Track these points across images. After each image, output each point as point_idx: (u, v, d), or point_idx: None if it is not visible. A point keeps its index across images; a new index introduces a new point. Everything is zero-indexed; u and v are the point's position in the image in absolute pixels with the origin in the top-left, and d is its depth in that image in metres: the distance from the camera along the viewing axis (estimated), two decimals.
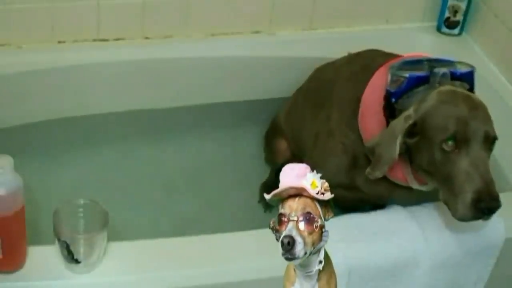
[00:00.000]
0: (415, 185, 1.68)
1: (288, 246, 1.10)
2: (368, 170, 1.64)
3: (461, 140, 1.54)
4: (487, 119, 1.57)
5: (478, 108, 1.57)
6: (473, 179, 1.53)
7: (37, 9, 2.12)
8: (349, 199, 1.77)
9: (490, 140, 1.56)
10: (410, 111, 1.58)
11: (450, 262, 1.70)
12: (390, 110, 1.64)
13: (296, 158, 2.08)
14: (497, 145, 1.60)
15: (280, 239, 1.11)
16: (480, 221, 1.59)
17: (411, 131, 1.58)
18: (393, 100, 1.62)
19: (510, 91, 2.22)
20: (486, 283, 1.78)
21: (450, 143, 1.54)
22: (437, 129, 1.56)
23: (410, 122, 1.57)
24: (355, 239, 1.65)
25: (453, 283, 1.73)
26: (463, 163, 1.54)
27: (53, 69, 2.14)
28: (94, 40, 2.22)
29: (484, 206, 1.52)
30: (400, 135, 1.58)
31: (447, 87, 1.60)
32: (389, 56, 1.83)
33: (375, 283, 1.66)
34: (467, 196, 1.53)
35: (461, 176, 1.54)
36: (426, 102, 1.58)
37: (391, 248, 1.66)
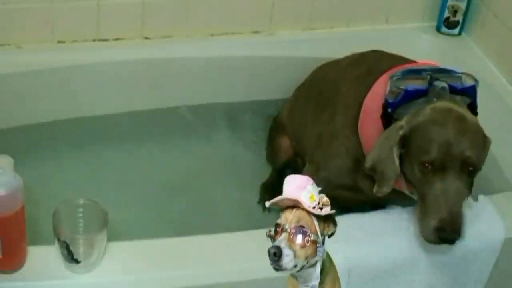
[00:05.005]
0: (407, 191, 1.68)
1: (275, 257, 1.10)
2: (375, 188, 1.64)
3: (438, 167, 1.54)
4: (472, 146, 1.55)
5: (466, 134, 1.55)
6: (439, 207, 1.54)
7: (37, 9, 2.12)
8: (349, 199, 1.77)
9: (467, 169, 1.55)
10: (403, 122, 1.59)
11: (450, 262, 1.70)
12: (387, 119, 1.64)
13: (298, 156, 2.09)
14: (497, 145, 1.60)
15: (268, 249, 1.11)
16: (480, 221, 1.59)
17: (402, 142, 1.59)
18: (390, 110, 1.63)
19: (510, 91, 2.21)
20: (486, 283, 1.78)
21: (428, 165, 1.55)
22: (420, 148, 1.56)
23: (401, 133, 1.58)
24: (355, 239, 1.65)
25: (453, 283, 1.73)
26: (435, 188, 1.55)
27: (53, 69, 2.14)
28: (94, 40, 2.22)
29: (444, 236, 1.54)
30: (395, 146, 1.58)
31: (444, 104, 1.59)
32: (394, 59, 1.82)
33: (375, 283, 1.66)
34: (431, 221, 1.55)
35: (431, 200, 1.56)
36: (419, 117, 1.57)
37: (391, 248, 1.66)
